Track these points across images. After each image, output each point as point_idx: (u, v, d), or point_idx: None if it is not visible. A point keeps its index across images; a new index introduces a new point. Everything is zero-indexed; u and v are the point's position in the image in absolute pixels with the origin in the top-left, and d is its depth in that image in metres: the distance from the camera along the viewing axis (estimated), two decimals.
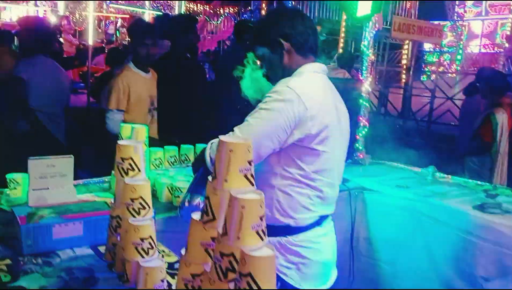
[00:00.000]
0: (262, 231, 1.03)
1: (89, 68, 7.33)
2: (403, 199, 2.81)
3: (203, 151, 1.87)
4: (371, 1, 3.24)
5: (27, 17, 7.72)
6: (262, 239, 1.02)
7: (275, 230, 1.85)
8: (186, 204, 1.79)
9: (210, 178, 1.13)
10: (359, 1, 3.34)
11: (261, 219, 1.02)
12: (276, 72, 1.96)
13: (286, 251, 1.89)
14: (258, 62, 2.06)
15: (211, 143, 1.84)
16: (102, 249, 1.69)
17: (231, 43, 4.77)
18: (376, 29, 3.44)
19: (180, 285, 1.22)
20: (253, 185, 1.09)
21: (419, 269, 2.71)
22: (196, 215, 1.18)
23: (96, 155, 5.09)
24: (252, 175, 1.09)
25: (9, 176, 2.23)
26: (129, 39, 3.58)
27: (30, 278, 1.47)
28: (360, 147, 3.47)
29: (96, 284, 1.47)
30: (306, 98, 1.77)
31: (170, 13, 9.25)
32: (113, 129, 3.34)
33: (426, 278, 2.67)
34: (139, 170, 1.49)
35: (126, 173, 1.48)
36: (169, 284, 1.43)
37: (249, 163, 1.08)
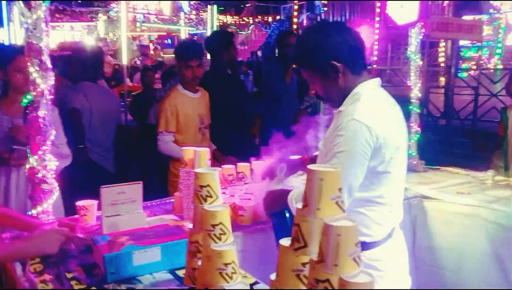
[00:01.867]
0: (359, 257, 1.04)
1: (126, 87, 7.49)
2: (464, 206, 2.76)
3: (283, 198, 1.89)
4: (417, 7, 3.21)
5: (77, 42, 7.94)
6: (358, 265, 1.04)
7: None
8: None
9: (299, 205, 1.15)
10: (403, 7, 3.32)
11: (356, 245, 1.04)
12: (331, 94, 1.94)
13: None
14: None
15: (294, 193, 1.87)
16: (180, 273, 1.74)
17: (273, 58, 4.79)
18: (422, 33, 3.41)
19: None
20: (344, 211, 1.11)
21: (486, 277, 2.66)
22: (285, 242, 1.21)
23: (147, 176, 5.20)
24: (342, 202, 1.11)
25: (79, 203, 2.32)
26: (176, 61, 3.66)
27: None
28: (414, 154, 3.43)
29: None
30: (375, 126, 1.76)
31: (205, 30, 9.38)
32: (165, 150, 3.44)
33: (496, 285, 2.61)
34: (217, 197, 1.53)
35: (205, 200, 1.52)
36: None
37: (339, 190, 1.10)
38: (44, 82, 2.14)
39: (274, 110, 4.49)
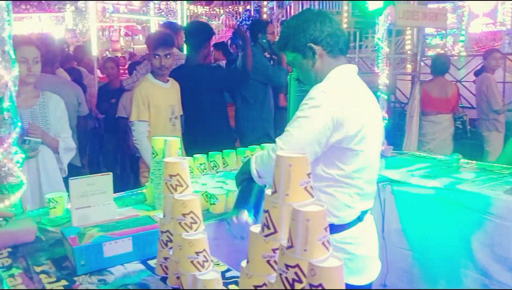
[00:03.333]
0: (328, 241, 1.04)
1: (97, 79, 7.32)
2: (431, 189, 2.81)
3: (247, 164, 1.90)
4: None
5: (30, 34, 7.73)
6: (328, 249, 1.04)
7: None
8: (235, 220, 1.81)
9: (268, 192, 1.14)
10: None
11: (325, 230, 1.03)
12: (309, 76, 1.98)
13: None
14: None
15: (256, 157, 1.87)
16: (152, 263, 1.71)
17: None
18: (388, 21, 3.43)
19: None
20: (313, 196, 1.10)
21: (453, 257, 2.72)
22: (255, 229, 1.20)
23: (113, 167, 5.12)
24: (311, 187, 1.10)
25: (47, 195, 2.26)
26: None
27: None
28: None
29: None
30: (341, 100, 1.80)
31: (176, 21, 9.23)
32: (140, 140, 3.38)
33: (462, 264, 2.67)
34: (187, 185, 1.51)
35: (175, 189, 1.50)
36: None
37: (308, 175, 1.09)
38: (8, 73, 2.07)
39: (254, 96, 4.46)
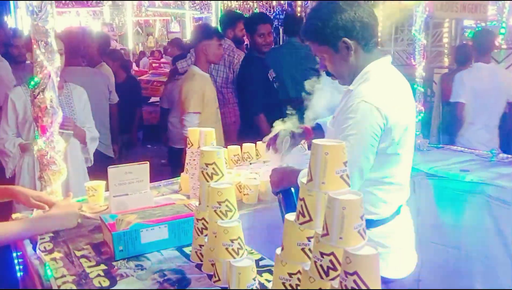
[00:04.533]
0: (363, 230, 1.03)
1: (133, 72, 7.47)
2: (468, 183, 2.75)
3: (291, 176, 1.87)
4: None
5: (71, 27, 7.91)
6: (363, 238, 1.03)
7: None
8: None
9: (304, 180, 1.14)
10: None
11: (361, 218, 1.03)
12: (342, 71, 1.90)
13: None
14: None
15: (304, 172, 1.86)
16: (187, 250, 1.74)
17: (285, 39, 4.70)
18: (427, 13, 3.36)
19: (277, 283, 1.24)
20: (349, 185, 1.10)
21: (490, 252, 2.66)
22: (290, 217, 1.20)
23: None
24: (347, 176, 1.10)
25: (87, 184, 2.32)
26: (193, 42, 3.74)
27: (126, 282, 1.53)
28: (417, 133, 3.41)
29: (189, 284, 1.51)
30: (385, 108, 1.73)
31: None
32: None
33: (498, 260, 2.61)
34: (223, 174, 1.53)
35: (211, 178, 1.52)
36: (260, 282, 1.47)
37: (344, 164, 1.09)
38: (50, 64, 2.13)
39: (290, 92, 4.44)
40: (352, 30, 1.79)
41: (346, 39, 1.80)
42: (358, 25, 1.79)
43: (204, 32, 3.65)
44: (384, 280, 1.91)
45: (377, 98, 1.74)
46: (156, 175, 2.54)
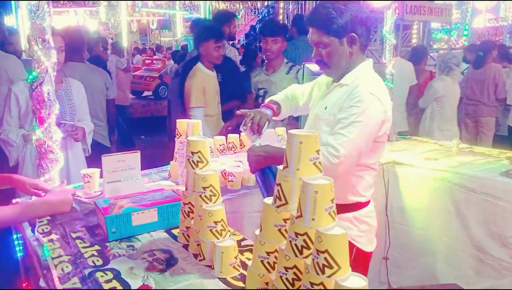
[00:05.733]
0: (334, 212, 1.04)
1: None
2: (432, 170, 2.78)
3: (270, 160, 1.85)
4: None
5: (70, 26, 7.81)
6: (334, 219, 1.04)
7: (349, 207, 1.93)
8: None
9: (281, 167, 1.15)
10: None
11: (332, 201, 1.04)
12: (339, 63, 1.87)
13: (359, 223, 1.97)
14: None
15: None
16: (175, 231, 1.74)
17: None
18: (396, 15, 3.38)
19: (256, 261, 1.25)
20: (321, 171, 1.10)
21: (451, 233, 2.70)
22: (268, 200, 1.21)
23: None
24: (319, 163, 1.10)
25: (83, 171, 2.30)
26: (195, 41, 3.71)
27: (119, 261, 1.53)
28: None
29: (176, 263, 1.51)
30: (385, 101, 1.80)
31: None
32: None
33: (458, 240, 2.66)
34: (207, 162, 1.53)
35: (196, 165, 1.52)
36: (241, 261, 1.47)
37: (317, 152, 1.10)
38: (47, 59, 2.10)
39: None
40: (360, 28, 1.82)
41: (354, 34, 1.82)
42: (364, 23, 1.83)
43: (203, 34, 3.59)
44: (366, 254, 1.96)
45: (379, 93, 1.80)
46: (149, 163, 2.53)
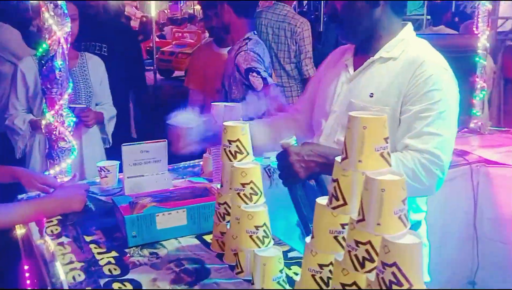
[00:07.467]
0: (405, 215, 1.02)
1: (154, 42, 7.47)
2: None
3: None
4: None
5: None
6: (405, 225, 1.02)
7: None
8: None
9: (338, 159, 1.13)
10: None
11: (403, 202, 1.01)
12: (359, 26, 1.77)
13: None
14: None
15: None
16: (207, 238, 1.76)
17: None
18: None
19: (306, 276, 1.24)
20: (390, 165, 1.08)
21: None
22: (322, 200, 1.19)
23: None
24: (388, 154, 1.08)
25: (99, 163, 2.37)
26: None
27: (139, 271, 1.56)
28: (478, 114, 3.33)
29: (208, 275, 1.53)
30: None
31: None
32: None
33: None
34: (248, 153, 1.53)
35: (234, 157, 1.52)
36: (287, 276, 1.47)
37: (385, 140, 1.07)
38: (59, 29, 2.16)
39: None
40: None
41: None
42: None
43: None
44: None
45: (448, 66, 1.74)
46: (177, 155, 2.56)
